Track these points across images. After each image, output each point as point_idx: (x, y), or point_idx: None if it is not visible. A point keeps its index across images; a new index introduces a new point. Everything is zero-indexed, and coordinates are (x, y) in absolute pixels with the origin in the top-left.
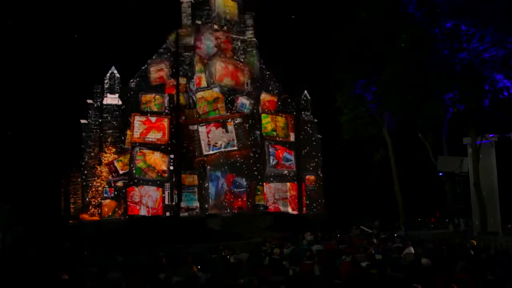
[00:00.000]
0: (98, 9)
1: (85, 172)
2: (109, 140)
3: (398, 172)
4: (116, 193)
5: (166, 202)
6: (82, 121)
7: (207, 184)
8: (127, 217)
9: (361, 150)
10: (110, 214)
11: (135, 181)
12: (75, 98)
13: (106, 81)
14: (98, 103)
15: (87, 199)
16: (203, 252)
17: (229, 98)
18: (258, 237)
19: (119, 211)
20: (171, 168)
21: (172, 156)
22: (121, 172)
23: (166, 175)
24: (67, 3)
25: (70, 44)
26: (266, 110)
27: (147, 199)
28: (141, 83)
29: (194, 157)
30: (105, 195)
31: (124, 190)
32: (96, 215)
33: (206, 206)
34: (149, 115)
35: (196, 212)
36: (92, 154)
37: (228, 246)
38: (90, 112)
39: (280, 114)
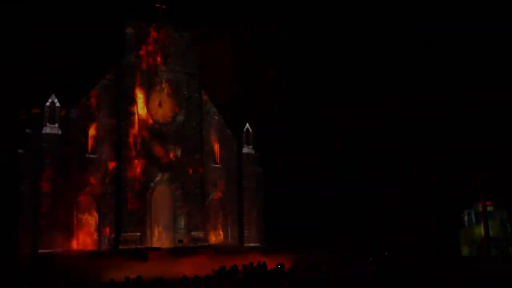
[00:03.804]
0: (39, 35)
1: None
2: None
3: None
4: None
5: None
6: (20, 150)
7: None
8: None
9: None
10: None
11: None
12: (12, 127)
13: (46, 110)
14: (37, 132)
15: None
16: None
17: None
18: None
19: None
20: None
21: None
22: None
23: None
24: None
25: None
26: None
27: None
28: (82, 113)
29: None
30: None
31: None
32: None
33: None
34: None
35: None
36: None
37: None
38: (28, 141)
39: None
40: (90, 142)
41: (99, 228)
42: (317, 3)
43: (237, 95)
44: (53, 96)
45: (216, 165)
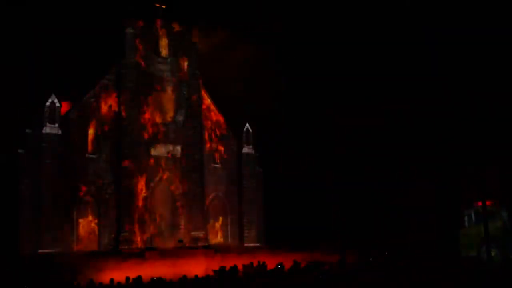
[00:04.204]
0: (39, 35)
1: None
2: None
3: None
4: None
5: None
6: (20, 150)
7: None
8: None
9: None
10: None
11: None
12: (12, 127)
13: (46, 110)
14: (37, 132)
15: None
16: None
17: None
18: None
19: None
20: None
21: None
22: None
23: None
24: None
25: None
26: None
27: None
28: (82, 113)
29: None
30: None
31: None
32: None
33: None
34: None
35: None
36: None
37: None
38: (28, 141)
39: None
40: (90, 142)
41: (99, 228)
42: (317, 3)
43: (237, 95)
44: (53, 96)
45: (216, 165)
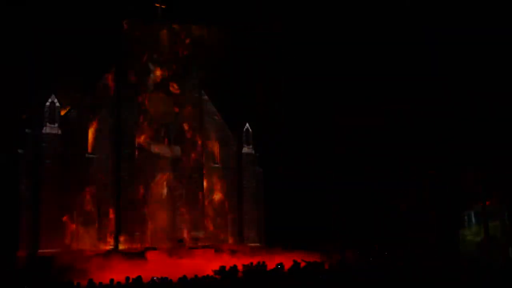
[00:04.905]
0: (39, 35)
1: None
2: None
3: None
4: None
5: None
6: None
7: None
8: None
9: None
10: None
11: None
12: (12, 127)
13: (46, 110)
14: (37, 132)
15: None
16: None
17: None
18: None
19: None
20: None
21: None
22: None
23: None
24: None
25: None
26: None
27: None
28: (82, 113)
29: None
30: None
31: None
32: None
33: None
34: None
35: None
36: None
37: None
38: (28, 141)
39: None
40: (90, 142)
41: (99, 228)
42: (317, 3)
43: (237, 95)
44: (53, 96)
45: (216, 165)
